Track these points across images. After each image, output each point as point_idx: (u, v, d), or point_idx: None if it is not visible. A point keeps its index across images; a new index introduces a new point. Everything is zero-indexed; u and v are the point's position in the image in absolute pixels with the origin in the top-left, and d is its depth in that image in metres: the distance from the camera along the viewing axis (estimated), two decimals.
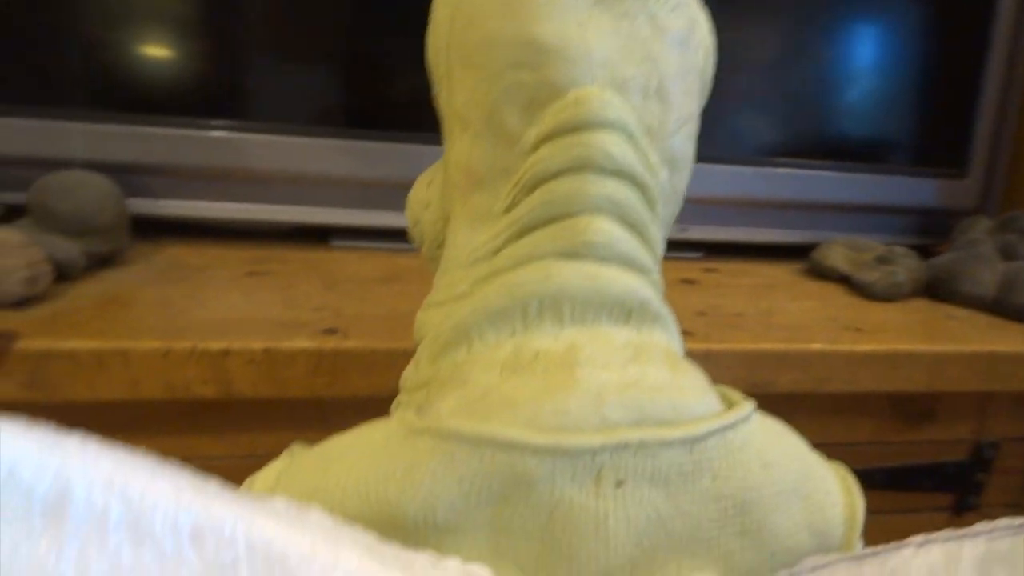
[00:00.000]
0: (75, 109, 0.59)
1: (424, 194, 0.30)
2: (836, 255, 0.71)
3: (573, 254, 0.24)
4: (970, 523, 0.16)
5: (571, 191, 0.24)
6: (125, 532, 0.13)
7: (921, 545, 0.17)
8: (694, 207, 0.73)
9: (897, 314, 0.62)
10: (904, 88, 0.77)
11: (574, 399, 0.21)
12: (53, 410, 0.42)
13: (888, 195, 0.77)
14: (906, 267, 0.67)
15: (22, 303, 0.46)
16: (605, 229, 0.24)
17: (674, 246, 0.74)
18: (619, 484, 0.20)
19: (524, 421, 0.21)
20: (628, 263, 0.25)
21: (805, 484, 0.23)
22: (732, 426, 0.22)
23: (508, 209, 0.25)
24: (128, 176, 0.60)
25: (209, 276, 0.56)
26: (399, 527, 0.20)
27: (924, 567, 0.16)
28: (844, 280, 0.70)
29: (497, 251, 0.25)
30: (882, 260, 0.69)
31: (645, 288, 0.25)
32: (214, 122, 0.62)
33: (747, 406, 0.23)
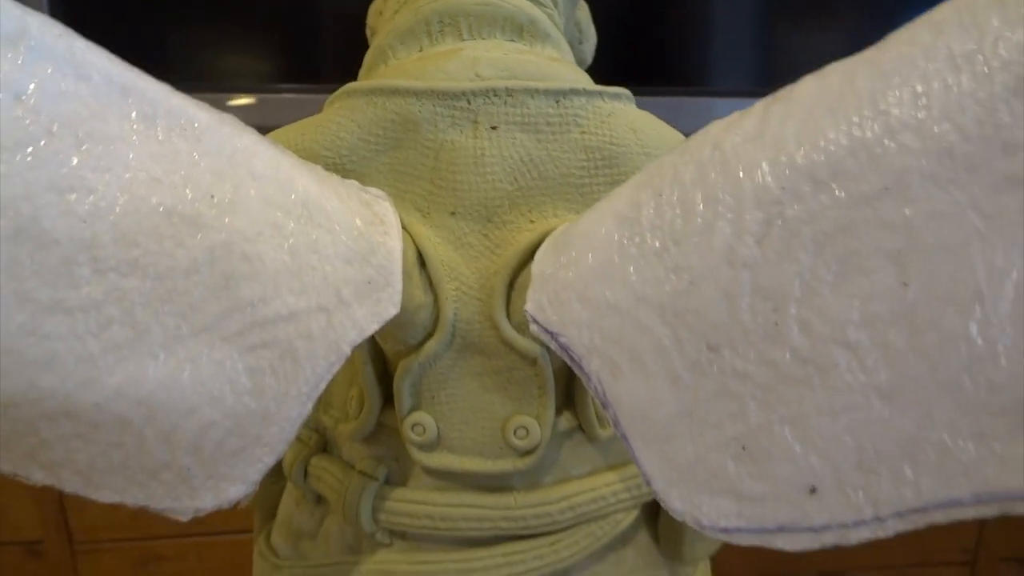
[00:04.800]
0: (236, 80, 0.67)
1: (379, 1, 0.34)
2: None
3: None
4: None
5: None
6: (69, 69, 0.18)
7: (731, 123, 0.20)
8: None
9: None
10: None
11: (453, 63, 0.25)
12: None
13: None
14: None
15: None
16: None
17: None
18: (493, 128, 0.24)
19: (410, 78, 0.24)
20: None
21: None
22: (600, 94, 0.24)
23: None
24: None
25: None
26: None
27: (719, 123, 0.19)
28: None
29: None
30: None
31: (536, 11, 0.28)
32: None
33: (622, 89, 0.26)
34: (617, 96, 0.25)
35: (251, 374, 0.20)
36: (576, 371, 0.20)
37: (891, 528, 0.20)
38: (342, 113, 0.24)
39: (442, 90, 0.23)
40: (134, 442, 0.20)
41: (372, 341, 0.25)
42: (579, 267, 0.21)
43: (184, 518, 0.21)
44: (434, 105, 0.23)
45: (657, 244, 0.19)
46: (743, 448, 0.20)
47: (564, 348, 0.20)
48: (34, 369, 0.18)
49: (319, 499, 0.29)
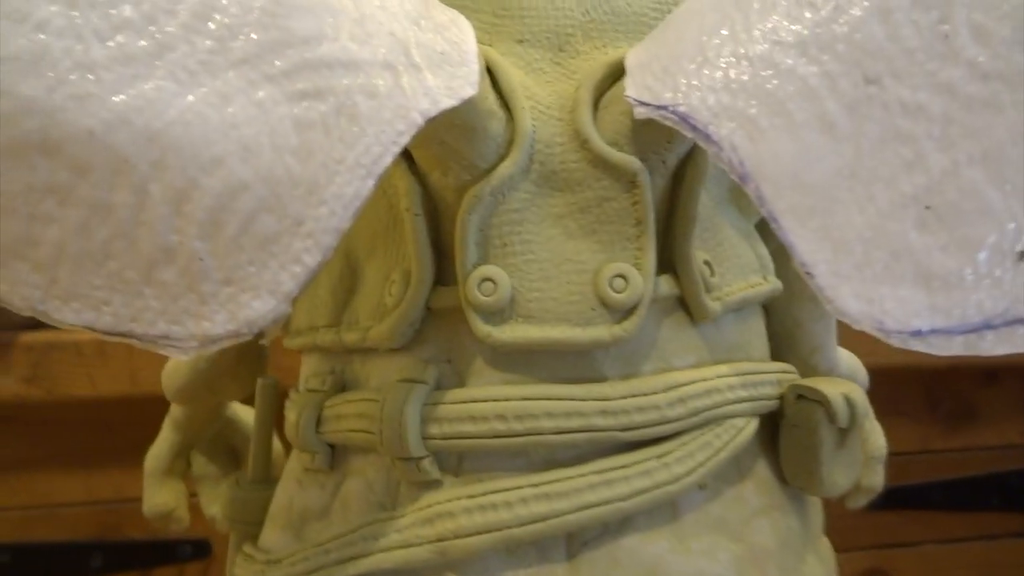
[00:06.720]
0: None
1: None
2: None
3: None
4: None
5: None
6: None
7: None
8: None
9: None
10: None
11: None
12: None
13: None
14: None
15: None
16: None
17: None
18: None
19: None
20: None
21: None
22: None
23: None
24: None
25: None
26: None
27: None
28: None
29: None
30: None
31: None
32: None
33: None
34: None
35: (298, 127, 0.15)
36: (702, 143, 0.17)
37: None
38: None
39: None
40: (131, 204, 0.14)
41: (424, 190, 0.20)
42: (689, 36, 0.18)
43: (185, 354, 0.15)
44: None
45: None
46: (926, 208, 0.16)
47: (684, 118, 0.17)
48: (14, 68, 0.13)
49: (334, 461, 0.22)
